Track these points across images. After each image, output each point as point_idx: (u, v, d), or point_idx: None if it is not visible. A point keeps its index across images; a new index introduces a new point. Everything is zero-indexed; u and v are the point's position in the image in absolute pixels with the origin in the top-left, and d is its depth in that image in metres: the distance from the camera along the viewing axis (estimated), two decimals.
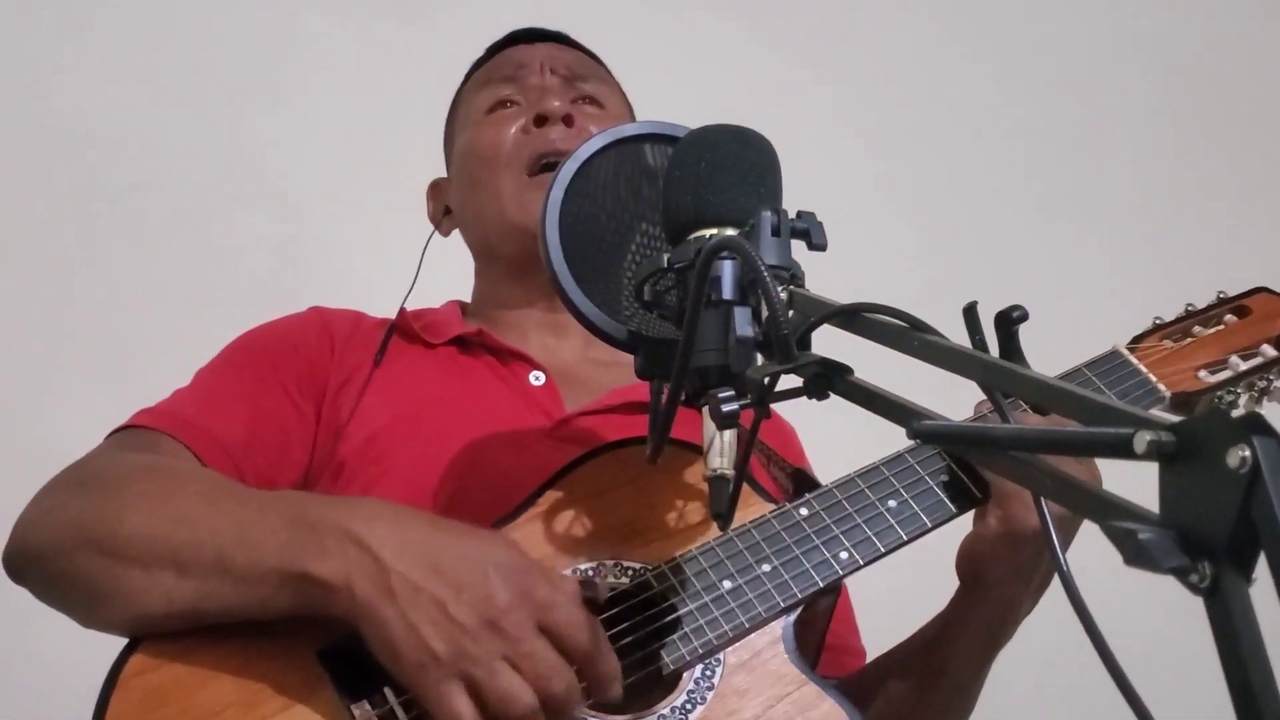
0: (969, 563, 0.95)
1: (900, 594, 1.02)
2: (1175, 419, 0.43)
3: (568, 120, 1.19)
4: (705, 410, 0.65)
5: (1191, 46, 2.26)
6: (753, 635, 0.88)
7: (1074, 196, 2.16)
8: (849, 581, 0.98)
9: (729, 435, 0.66)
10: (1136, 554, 0.41)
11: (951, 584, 0.98)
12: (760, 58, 2.11)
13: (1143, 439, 0.43)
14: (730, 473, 0.66)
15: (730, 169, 0.69)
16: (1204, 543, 0.41)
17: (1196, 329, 1.12)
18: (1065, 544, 0.91)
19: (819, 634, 0.97)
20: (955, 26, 2.23)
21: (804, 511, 0.93)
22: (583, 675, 0.80)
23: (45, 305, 1.79)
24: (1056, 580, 0.56)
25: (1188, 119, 2.23)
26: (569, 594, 0.81)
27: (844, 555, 0.91)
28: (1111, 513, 0.45)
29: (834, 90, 2.14)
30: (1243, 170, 2.19)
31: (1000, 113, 2.19)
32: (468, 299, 1.31)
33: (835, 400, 0.58)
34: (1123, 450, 0.44)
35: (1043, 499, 0.60)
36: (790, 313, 0.60)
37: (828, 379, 0.57)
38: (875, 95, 2.15)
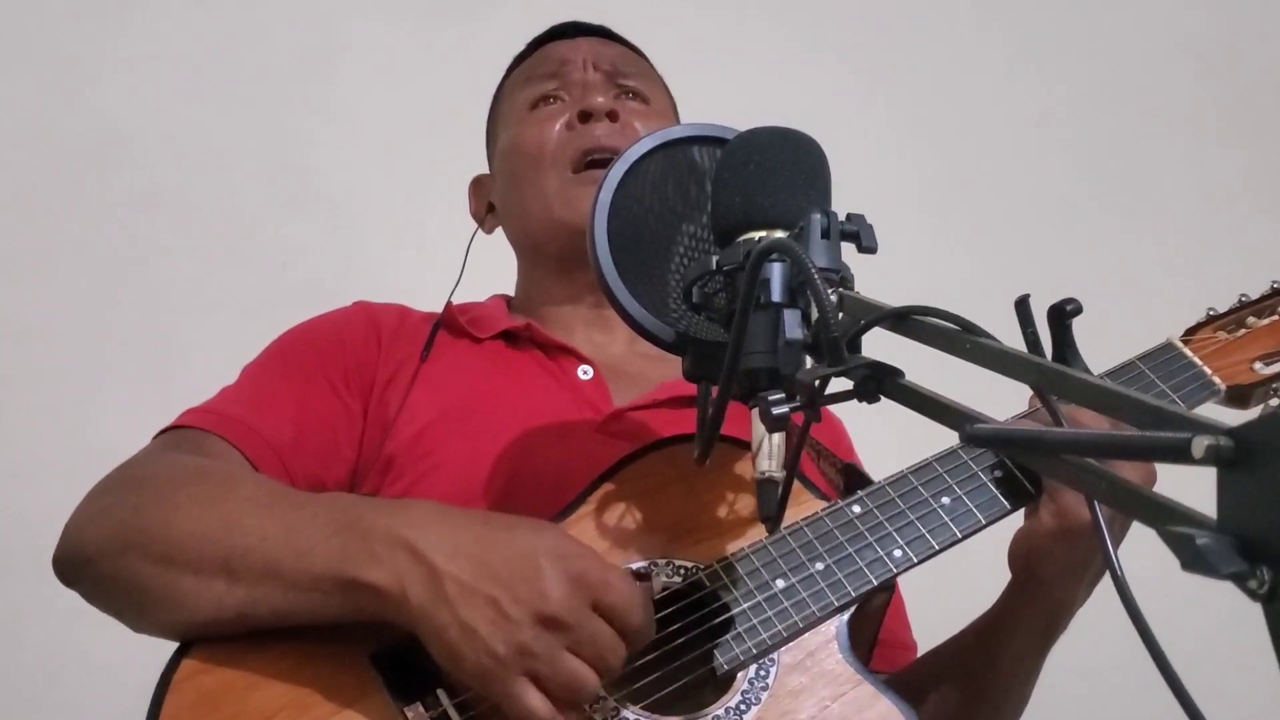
0: (1022, 558, 0.94)
1: (953, 587, 1.01)
2: (1232, 425, 0.43)
3: (612, 116, 1.18)
4: (754, 412, 0.65)
5: (1242, 36, 2.22)
6: (806, 634, 0.88)
7: (1125, 189, 2.13)
8: (901, 576, 0.98)
9: (777, 438, 0.66)
10: (1194, 559, 0.41)
11: (1004, 578, 0.98)
12: (806, 58, 2.10)
13: (1200, 444, 0.42)
14: (779, 475, 0.66)
15: (779, 171, 0.69)
16: (1263, 548, 0.40)
17: (1251, 320, 1.10)
18: (1117, 541, 0.90)
19: (872, 631, 0.97)
20: (1001, 23, 2.20)
21: (857, 509, 0.92)
22: (628, 646, 0.81)
23: (93, 306, 1.81)
24: (1107, 582, 0.56)
25: (1238, 110, 2.19)
26: (621, 574, 0.81)
27: (898, 553, 0.90)
28: (1168, 517, 0.44)
29: (879, 91, 2.13)
30: (1270, 150, 2.16)
31: (1047, 107, 2.17)
32: (512, 293, 1.31)
33: (886, 401, 0.58)
34: (1180, 455, 0.43)
35: (1096, 503, 0.60)
36: (840, 315, 0.60)
37: (878, 382, 0.57)
38: (921, 95, 2.14)
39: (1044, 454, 0.52)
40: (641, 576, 0.85)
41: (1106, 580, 0.54)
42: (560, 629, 0.77)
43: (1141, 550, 0.57)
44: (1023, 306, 0.64)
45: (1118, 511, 0.50)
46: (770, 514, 0.67)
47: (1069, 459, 0.50)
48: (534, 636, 0.76)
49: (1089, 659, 1.35)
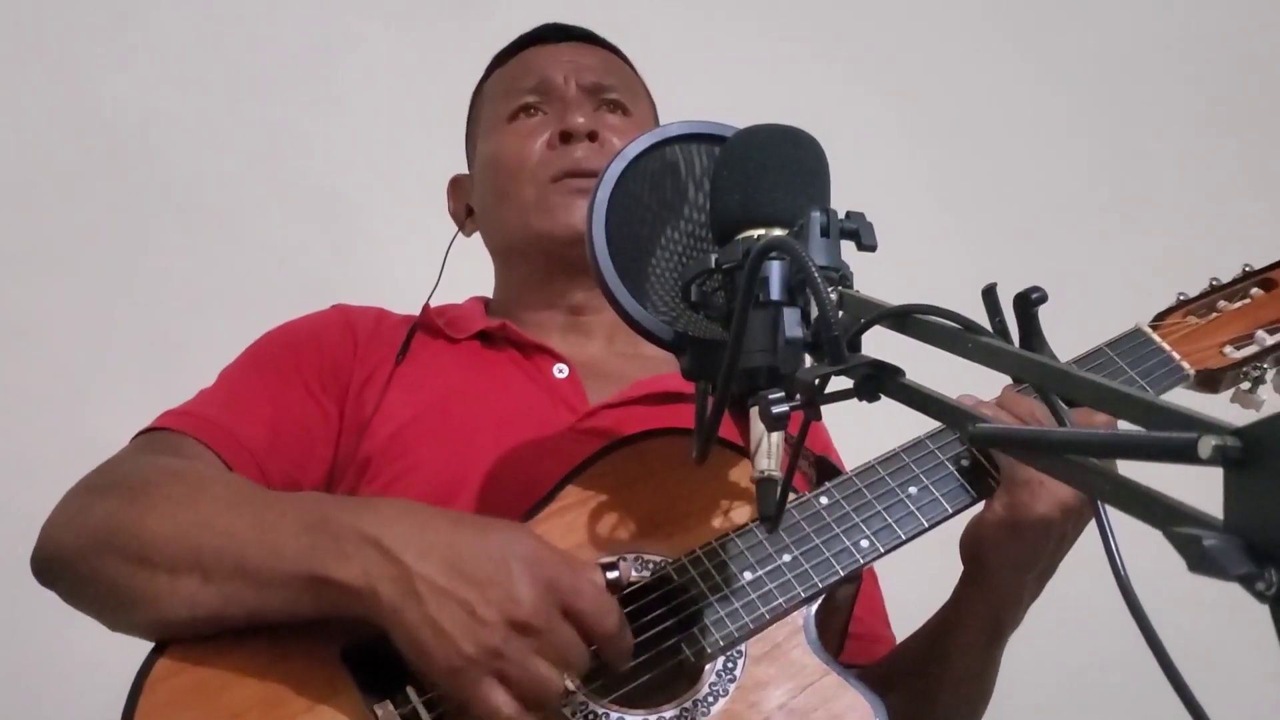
0: (971, 547, 0.95)
1: (932, 582, 1.02)
2: (1238, 425, 0.43)
3: (592, 136, 1.17)
4: (754, 411, 0.65)
5: (1240, 35, 2.24)
6: (774, 626, 0.88)
7: (1115, 184, 2.15)
8: (880, 569, 0.98)
9: (776, 436, 0.66)
10: (1201, 561, 0.41)
11: None
12: (803, 55, 2.10)
13: (1207, 444, 0.42)
14: (778, 474, 0.66)
15: (779, 169, 0.69)
16: (1271, 549, 0.40)
17: (1222, 304, 1.10)
18: (1075, 535, 0.92)
19: (841, 623, 0.97)
20: (993, 24, 2.21)
21: (824, 500, 0.93)
22: (601, 652, 0.82)
23: (90, 303, 1.79)
24: (1108, 579, 0.57)
25: (1215, 105, 2.21)
26: (592, 580, 0.82)
27: (864, 543, 0.91)
28: (1175, 518, 0.44)
29: (876, 88, 2.13)
30: (1269, 149, 2.18)
31: (1044, 105, 2.18)
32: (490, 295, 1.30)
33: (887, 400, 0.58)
34: (1186, 455, 0.43)
35: (1100, 503, 0.60)
36: (840, 313, 0.60)
37: (878, 381, 0.57)
38: (917, 93, 2.14)
39: (1046, 453, 0.52)
40: (611, 574, 0.85)
41: (1108, 577, 0.55)
42: (530, 633, 0.78)
43: (1144, 549, 0.57)
44: (990, 296, 0.65)
45: (1123, 512, 0.50)
46: (770, 513, 0.67)
47: (1071, 458, 0.51)
48: (504, 639, 0.77)
49: (1090, 658, 1.36)
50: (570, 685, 0.82)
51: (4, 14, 1.85)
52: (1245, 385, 1.09)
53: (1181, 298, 1.12)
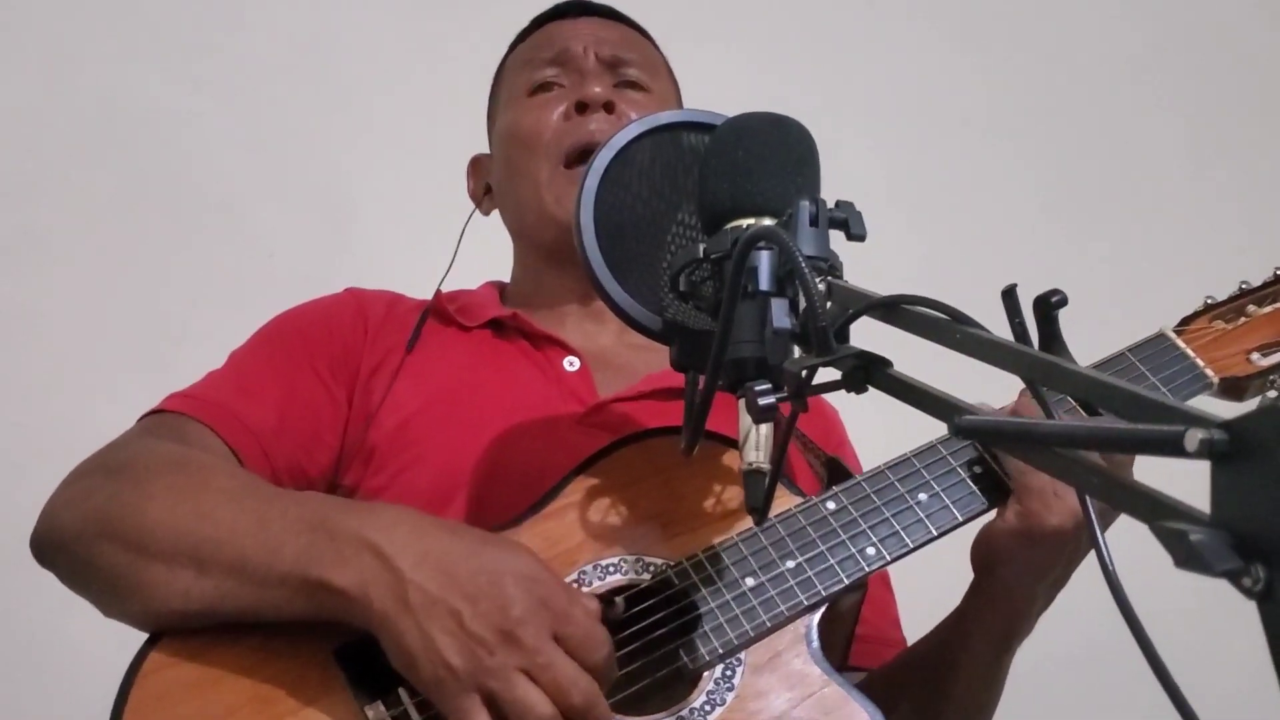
0: (983, 557, 0.93)
1: (944, 586, 1.00)
2: (1227, 417, 0.42)
3: (609, 107, 1.16)
4: (741, 403, 0.64)
5: (1231, 29, 2.21)
6: (775, 634, 0.86)
7: (1120, 178, 2.13)
8: (892, 572, 0.96)
9: (765, 428, 0.65)
10: (1188, 556, 0.40)
11: None
12: (800, 44, 2.09)
13: (1194, 437, 0.41)
14: (766, 466, 0.65)
15: (768, 158, 0.68)
16: (1258, 545, 0.39)
17: (1251, 308, 1.06)
18: (1090, 545, 0.89)
19: (846, 632, 0.96)
20: (995, 16, 2.20)
21: (831, 505, 0.91)
22: None
23: (82, 295, 1.81)
24: (1099, 577, 0.55)
25: (1232, 100, 2.19)
26: (586, 607, 0.80)
27: (870, 551, 0.89)
28: (1161, 512, 0.43)
29: (870, 78, 2.12)
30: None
31: (1044, 94, 2.17)
32: (508, 278, 1.30)
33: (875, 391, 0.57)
34: (1173, 448, 0.42)
35: (1087, 497, 0.59)
36: (828, 304, 0.59)
37: (866, 372, 0.57)
38: (912, 83, 2.13)
39: (1034, 446, 0.51)
40: (608, 604, 0.84)
41: (1096, 572, 0.53)
42: (518, 650, 0.76)
43: (1131, 543, 0.56)
44: (1010, 297, 0.63)
45: (1110, 506, 0.49)
46: (757, 505, 0.66)
47: (1059, 452, 0.50)
48: (490, 654, 0.76)
49: (1077, 650, 1.34)
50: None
51: (3, 4, 1.87)
52: (1272, 394, 1.05)
53: (1209, 301, 1.09)
